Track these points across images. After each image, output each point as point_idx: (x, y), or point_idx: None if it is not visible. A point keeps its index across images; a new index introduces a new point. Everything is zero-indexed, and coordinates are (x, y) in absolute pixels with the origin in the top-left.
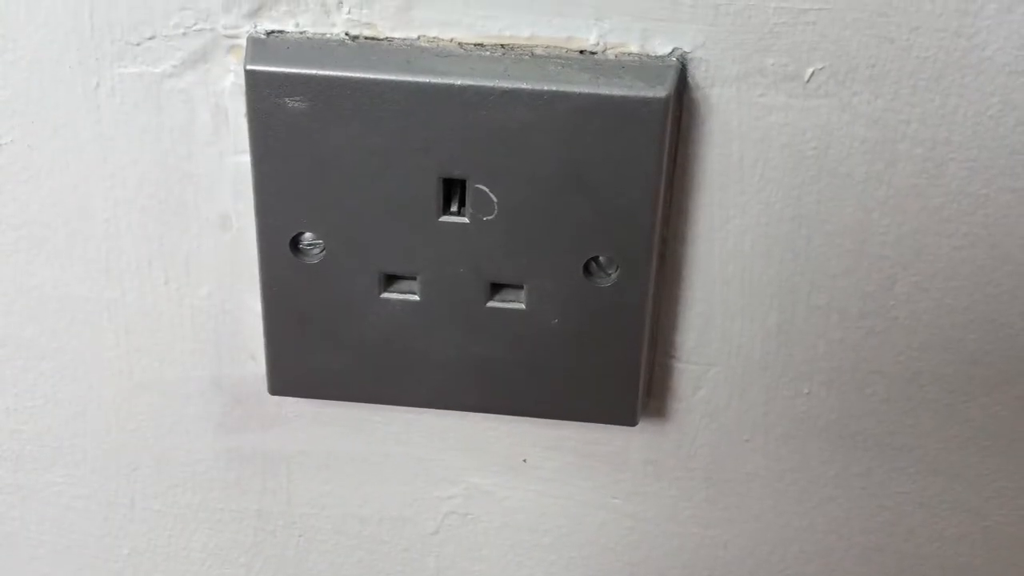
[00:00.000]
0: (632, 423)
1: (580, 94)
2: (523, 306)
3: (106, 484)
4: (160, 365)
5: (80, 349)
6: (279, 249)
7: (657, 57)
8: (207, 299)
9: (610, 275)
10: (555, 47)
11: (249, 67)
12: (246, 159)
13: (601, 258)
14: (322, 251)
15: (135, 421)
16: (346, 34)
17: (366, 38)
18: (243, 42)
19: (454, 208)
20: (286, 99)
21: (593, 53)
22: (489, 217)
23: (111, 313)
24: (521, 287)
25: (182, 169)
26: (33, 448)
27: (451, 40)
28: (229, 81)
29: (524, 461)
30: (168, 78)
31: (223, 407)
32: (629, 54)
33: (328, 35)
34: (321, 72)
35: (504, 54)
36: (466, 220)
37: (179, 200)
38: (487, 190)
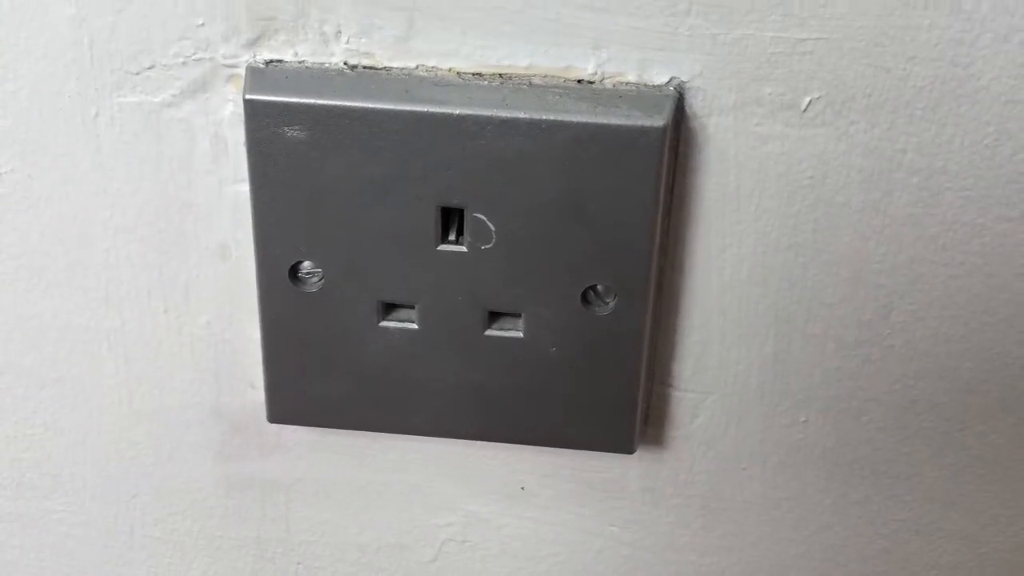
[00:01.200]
0: (630, 451)
1: (578, 123)
2: (521, 334)
3: (106, 512)
4: (159, 393)
5: (80, 378)
6: (278, 278)
7: (655, 86)
8: (206, 328)
9: (608, 304)
10: (553, 76)
11: (248, 96)
12: (245, 188)
13: (599, 287)
14: (321, 279)
15: (135, 449)
16: (345, 63)
17: (365, 67)
18: (242, 71)
19: (452, 237)
20: (285, 128)
21: (591, 82)
22: (487, 246)
23: (111, 342)
24: (519, 315)
25: (181, 198)
26: (33, 476)
27: (449, 69)
28: (228, 110)
29: (522, 489)
30: (167, 107)
31: (222, 435)
32: (627, 83)
33: (327, 64)
34: (320, 101)
35: (502, 83)
36: (464, 249)
37: (178, 229)
38: (485, 219)
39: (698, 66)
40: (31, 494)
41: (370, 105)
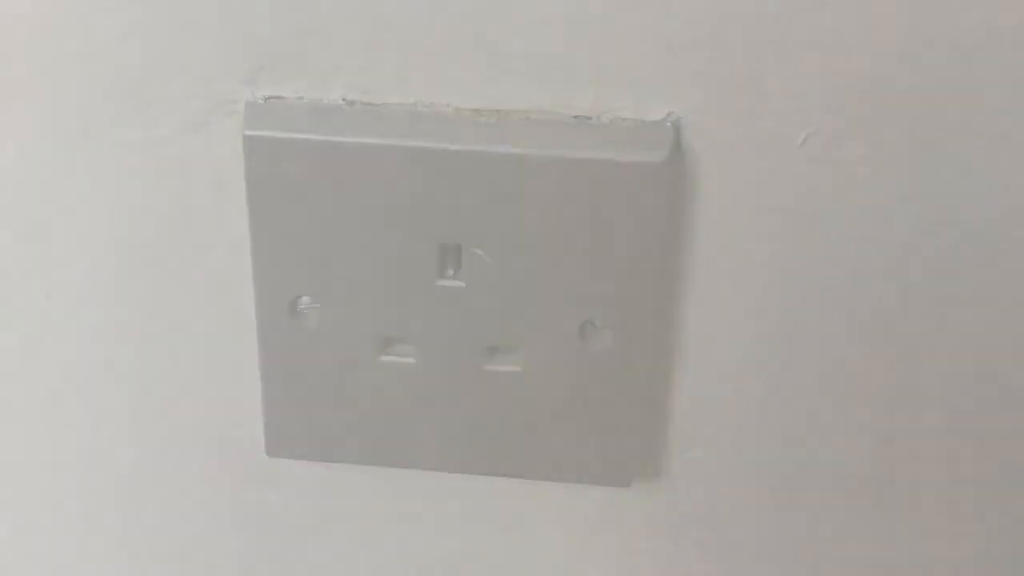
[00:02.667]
0: (626, 484)
1: (576, 159)
2: (519, 369)
3: (105, 545)
4: (158, 428)
5: (79, 411)
6: (277, 313)
7: (652, 122)
8: (206, 362)
9: (606, 338)
10: (551, 112)
11: (247, 132)
12: (244, 223)
13: (596, 321)
14: (320, 314)
15: (133, 483)
16: (343, 99)
17: (363, 103)
18: (241, 107)
19: (451, 272)
20: (284, 164)
21: (589, 118)
22: (486, 281)
23: (110, 376)
24: (517, 350)
25: (180, 233)
26: (33, 508)
27: (448, 105)
28: (227, 146)
29: (519, 521)
30: (166, 143)
31: (221, 469)
32: (624, 119)
33: (326, 100)
34: (319, 137)
35: (500, 119)
36: (463, 284)
37: (178, 264)
38: (483, 254)
39: (695, 101)
40: (31, 526)
41: (369, 141)
